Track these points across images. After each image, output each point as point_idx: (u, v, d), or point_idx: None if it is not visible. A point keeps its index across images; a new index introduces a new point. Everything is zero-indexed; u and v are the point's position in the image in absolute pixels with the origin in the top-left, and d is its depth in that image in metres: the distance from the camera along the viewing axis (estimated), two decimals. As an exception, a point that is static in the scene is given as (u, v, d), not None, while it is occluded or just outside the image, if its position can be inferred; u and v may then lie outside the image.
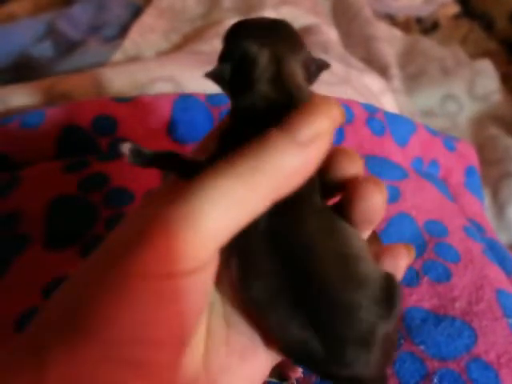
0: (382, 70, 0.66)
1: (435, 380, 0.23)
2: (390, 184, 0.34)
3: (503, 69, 0.76)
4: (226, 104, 0.36)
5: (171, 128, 0.35)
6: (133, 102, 0.35)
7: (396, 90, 0.65)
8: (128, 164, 0.15)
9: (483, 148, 0.60)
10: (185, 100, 0.35)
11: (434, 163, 0.41)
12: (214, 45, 0.62)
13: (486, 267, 0.30)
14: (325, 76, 0.51)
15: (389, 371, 0.24)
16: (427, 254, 0.30)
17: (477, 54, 0.79)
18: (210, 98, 0.36)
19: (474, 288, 0.28)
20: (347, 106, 0.38)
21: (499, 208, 0.52)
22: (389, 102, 0.56)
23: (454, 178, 0.41)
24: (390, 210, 0.33)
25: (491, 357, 0.25)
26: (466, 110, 0.69)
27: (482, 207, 0.41)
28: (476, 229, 0.35)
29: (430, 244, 0.31)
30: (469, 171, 0.42)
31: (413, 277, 0.29)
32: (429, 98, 0.70)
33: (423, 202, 0.34)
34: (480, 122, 0.67)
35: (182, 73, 0.42)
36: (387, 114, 0.40)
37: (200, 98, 0.36)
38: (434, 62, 0.74)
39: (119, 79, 0.41)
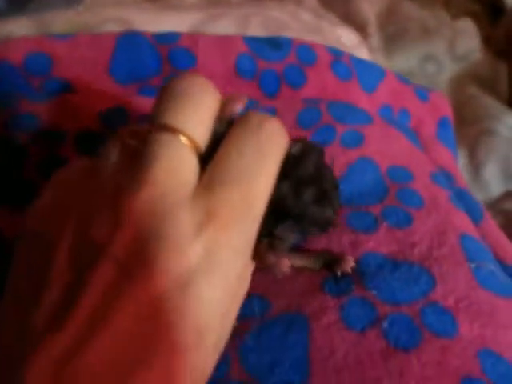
0: (360, 28, 0.63)
1: (384, 325, 0.21)
2: (352, 128, 0.32)
3: (486, 31, 0.73)
4: (176, 42, 0.33)
5: (113, 68, 0.31)
6: (71, 40, 0.32)
7: (374, 49, 0.62)
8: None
9: (462, 108, 0.58)
10: (129, 38, 0.32)
11: (404, 112, 0.38)
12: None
13: (452, 214, 0.28)
14: (293, 24, 0.47)
15: (334, 317, 0.22)
16: (388, 200, 0.28)
17: (459, 16, 0.76)
18: (158, 36, 0.33)
19: (437, 233, 0.26)
20: (309, 48, 0.35)
21: (475, 167, 0.50)
22: (364, 57, 0.53)
23: (426, 129, 0.39)
24: (352, 154, 0.30)
25: (449, 302, 0.22)
26: (446, 70, 0.67)
27: (455, 159, 0.39)
28: (445, 178, 0.33)
29: (392, 190, 0.29)
30: (442, 122, 0.40)
31: (371, 223, 0.27)
32: (408, 58, 0.68)
33: (388, 148, 0.32)
34: (460, 83, 0.65)
35: (135, 15, 0.39)
36: (354, 59, 0.37)
37: (146, 35, 0.33)
38: (414, 22, 0.72)
39: (65, 20, 0.37)
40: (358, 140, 0.31)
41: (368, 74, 0.37)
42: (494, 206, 0.47)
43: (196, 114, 0.16)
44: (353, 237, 0.26)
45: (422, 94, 0.40)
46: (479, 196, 0.49)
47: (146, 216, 0.14)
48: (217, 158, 0.16)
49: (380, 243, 0.26)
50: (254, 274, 0.19)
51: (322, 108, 0.33)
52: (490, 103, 0.57)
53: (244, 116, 0.17)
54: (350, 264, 0.24)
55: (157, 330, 0.13)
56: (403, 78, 0.40)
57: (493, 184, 0.49)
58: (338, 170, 0.30)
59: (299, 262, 0.25)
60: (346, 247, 0.26)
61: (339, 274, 0.24)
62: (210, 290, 0.14)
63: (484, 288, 0.23)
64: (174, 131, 0.15)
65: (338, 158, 0.30)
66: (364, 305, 0.22)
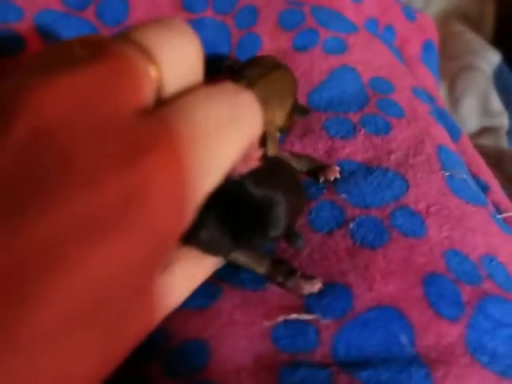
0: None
1: (351, 226, 0.21)
2: (336, 35, 0.30)
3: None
4: None
5: None
6: None
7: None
8: None
9: (446, 43, 0.57)
10: None
11: (390, 29, 0.37)
12: None
13: (431, 125, 0.27)
14: None
15: (303, 221, 0.21)
16: (368, 108, 0.27)
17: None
18: None
19: (414, 142, 0.25)
20: None
21: (454, 101, 0.49)
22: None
23: (410, 49, 0.37)
24: (334, 61, 0.29)
25: (420, 206, 0.22)
26: (433, 6, 0.64)
27: (436, 82, 0.38)
28: (427, 96, 0.32)
29: (373, 99, 0.28)
30: (426, 45, 0.39)
31: (349, 129, 0.26)
32: (396, -10, 0.65)
33: (371, 59, 0.30)
34: (446, 18, 0.63)
35: None
36: (342, -36, 0.34)
37: None
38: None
39: None
40: (341, 47, 0.30)
41: (356, -17, 0.35)
42: (470, 140, 0.48)
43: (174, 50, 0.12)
44: (329, 143, 0.25)
45: (410, 13, 0.38)
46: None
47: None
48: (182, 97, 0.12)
49: (356, 150, 0.25)
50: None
51: (306, 11, 0.30)
52: (474, 39, 0.56)
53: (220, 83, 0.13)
54: (335, 173, 0.23)
55: None
56: (392, -6, 0.38)
57: (470, 119, 0.49)
58: (319, 75, 0.28)
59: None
60: (321, 154, 0.25)
61: (321, 180, 0.23)
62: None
63: (455, 195, 0.23)
64: (141, 48, 0.11)
65: (320, 64, 0.29)
66: (333, 208, 0.22)
